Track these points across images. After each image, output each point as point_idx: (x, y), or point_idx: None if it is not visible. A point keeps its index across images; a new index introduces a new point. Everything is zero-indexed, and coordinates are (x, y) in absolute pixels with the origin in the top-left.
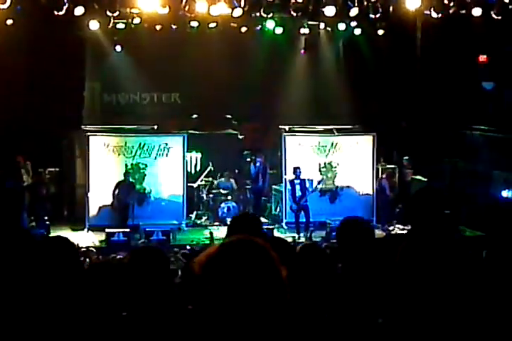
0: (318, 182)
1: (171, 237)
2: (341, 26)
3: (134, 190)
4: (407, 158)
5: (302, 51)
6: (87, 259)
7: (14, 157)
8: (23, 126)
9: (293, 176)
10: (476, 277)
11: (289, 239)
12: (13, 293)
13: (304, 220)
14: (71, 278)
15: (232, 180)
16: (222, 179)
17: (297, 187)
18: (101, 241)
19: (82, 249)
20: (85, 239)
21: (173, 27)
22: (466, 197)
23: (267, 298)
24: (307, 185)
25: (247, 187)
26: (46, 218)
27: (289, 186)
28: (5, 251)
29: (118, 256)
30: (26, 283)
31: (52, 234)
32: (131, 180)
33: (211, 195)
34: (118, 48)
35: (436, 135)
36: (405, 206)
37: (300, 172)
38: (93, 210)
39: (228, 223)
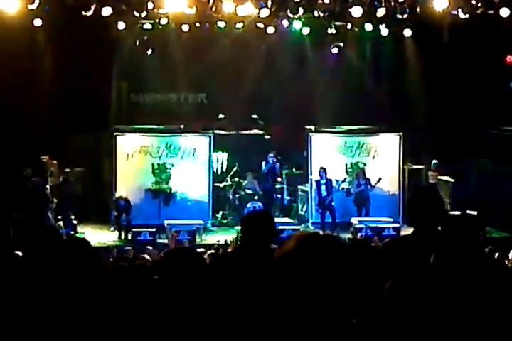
0: (343, 181)
1: (197, 237)
2: (368, 27)
3: (130, 208)
4: (435, 161)
5: (333, 53)
6: (110, 258)
7: (41, 156)
8: (50, 126)
9: (318, 177)
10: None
11: None
12: (30, 288)
13: (331, 220)
14: (87, 280)
15: (256, 182)
16: (246, 181)
17: (323, 187)
18: (127, 240)
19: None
20: (112, 237)
21: (200, 27)
22: (493, 198)
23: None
24: (334, 184)
25: (277, 187)
26: (73, 217)
27: (314, 186)
28: (29, 247)
29: (145, 256)
30: (45, 280)
31: (80, 233)
32: (124, 196)
33: (237, 195)
34: (149, 51)
35: (464, 135)
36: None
37: (325, 172)
38: None
39: (242, 220)
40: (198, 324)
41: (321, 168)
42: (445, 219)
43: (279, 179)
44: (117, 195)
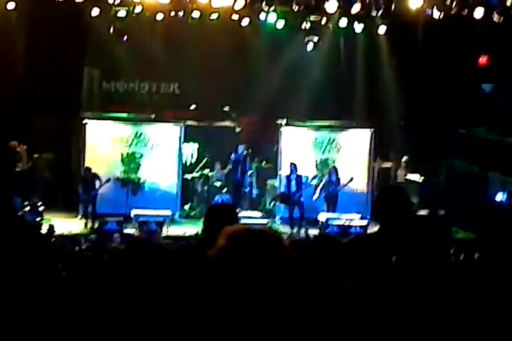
0: (313, 178)
1: (164, 228)
2: (343, 22)
3: (99, 181)
4: (405, 159)
5: (309, 47)
6: (77, 247)
7: (9, 142)
8: (20, 111)
9: (289, 172)
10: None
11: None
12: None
13: (298, 216)
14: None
15: (224, 171)
16: (214, 171)
17: (292, 182)
18: (93, 229)
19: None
20: (78, 226)
21: (175, 16)
22: (461, 198)
23: (283, 285)
24: (303, 180)
25: (246, 180)
26: (40, 204)
27: (284, 181)
28: None
29: (111, 244)
30: (13, 269)
31: (46, 220)
32: (93, 171)
33: (206, 187)
34: (125, 38)
35: (434, 134)
36: (373, 206)
37: (295, 168)
38: None
39: (204, 215)
40: (153, 316)
41: (292, 163)
42: (410, 217)
43: (249, 172)
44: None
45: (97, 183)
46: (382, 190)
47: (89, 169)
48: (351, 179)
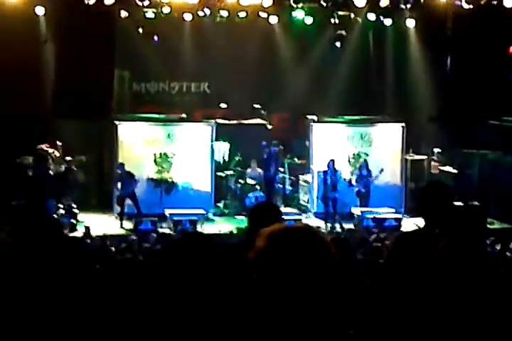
0: (380, 172)
1: (199, 226)
2: (371, 16)
3: (134, 180)
4: (438, 150)
5: (337, 44)
6: (113, 248)
7: (43, 145)
8: (52, 114)
9: (326, 168)
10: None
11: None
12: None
13: (332, 211)
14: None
15: (259, 170)
16: (249, 169)
17: (328, 178)
18: (129, 229)
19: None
20: (113, 226)
21: (203, 16)
22: (495, 190)
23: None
24: (338, 177)
25: (279, 176)
26: (74, 206)
27: (321, 176)
28: (30, 238)
29: (145, 245)
30: (47, 273)
31: (81, 221)
32: (127, 170)
33: (239, 185)
34: (155, 38)
35: (465, 126)
36: (417, 201)
37: (333, 164)
38: None
39: (248, 213)
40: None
41: (331, 160)
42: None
43: (281, 168)
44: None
45: (132, 181)
46: (427, 186)
47: (122, 165)
48: (381, 170)
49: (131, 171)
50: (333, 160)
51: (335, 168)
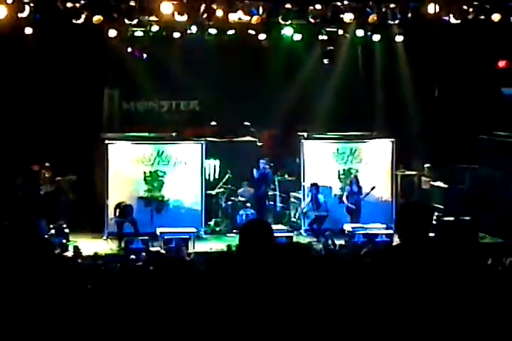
0: (371, 189)
1: (190, 245)
2: (359, 33)
3: (132, 213)
4: (428, 165)
5: (325, 61)
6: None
7: (33, 165)
8: (41, 134)
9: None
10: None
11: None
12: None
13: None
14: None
15: (251, 189)
16: (240, 189)
17: (320, 196)
18: (119, 249)
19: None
20: (104, 246)
21: (191, 34)
22: (486, 204)
23: None
24: (320, 199)
25: (269, 194)
26: (65, 226)
27: (310, 193)
28: (22, 259)
29: (138, 263)
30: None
31: (72, 241)
32: (128, 203)
33: (230, 203)
34: (144, 56)
35: (456, 141)
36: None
37: (317, 187)
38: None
39: (239, 230)
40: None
41: (314, 184)
42: (431, 232)
43: (272, 186)
44: (120, 200)
45: (131, 209)
46: (403, 206)
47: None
48: (373, 187)
49: (131, 205)
50: (315, 184)
51: (317, 189)
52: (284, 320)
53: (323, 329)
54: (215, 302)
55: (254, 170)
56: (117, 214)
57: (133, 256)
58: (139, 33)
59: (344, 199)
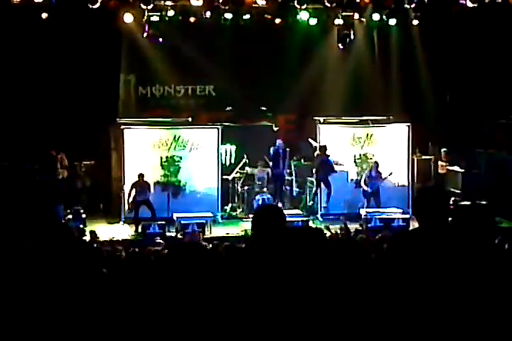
0: (389, 175)
1: (206, 229)
2: (375, 17)
3: (149, 189)
4: (445, 150)
5: (341, 45)
6: (123, 252)
7: (49, 151)
8: (58, 120)
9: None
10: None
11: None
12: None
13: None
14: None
15: (268, 170)
16: (256, 170)
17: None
18: (137, 234)
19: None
20: (121, 231)
21: (207, 19)
22: (502, 188)
23: None
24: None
25: (286, 177)
26: (82, 211)
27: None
28: (41, 244)
29: (155, 248)
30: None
31: (89, 226)
32: (145, 179)
33: (246, 187)
34: (160, 40)
35: (472, 125)
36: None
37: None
38: None
39: (252, 215)
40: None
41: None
42: (451, 214)
43: (288, 170)
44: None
45: (148, 189)
46: (421, 190)
47: (142, 175)
48: (391, 173)
49: (147, 182)
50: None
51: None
52: (298, 304)
53: (339, 314)
54: (230, 286)
55: (271, 149)
56: (133, 193)
57: (159, 240)
58: (154, 18)
59: (362, 183)
